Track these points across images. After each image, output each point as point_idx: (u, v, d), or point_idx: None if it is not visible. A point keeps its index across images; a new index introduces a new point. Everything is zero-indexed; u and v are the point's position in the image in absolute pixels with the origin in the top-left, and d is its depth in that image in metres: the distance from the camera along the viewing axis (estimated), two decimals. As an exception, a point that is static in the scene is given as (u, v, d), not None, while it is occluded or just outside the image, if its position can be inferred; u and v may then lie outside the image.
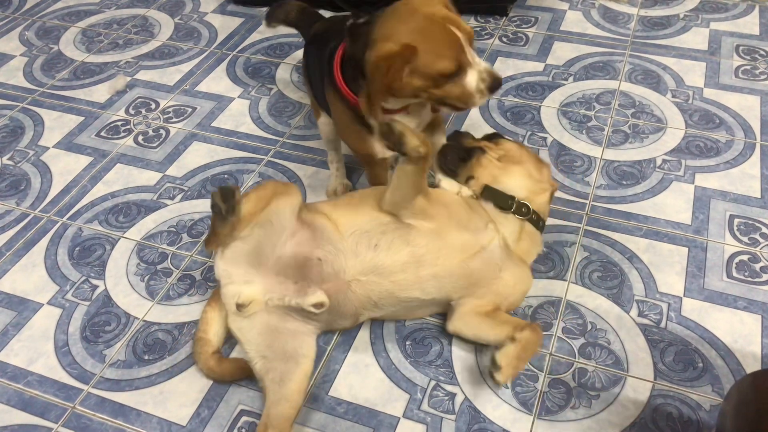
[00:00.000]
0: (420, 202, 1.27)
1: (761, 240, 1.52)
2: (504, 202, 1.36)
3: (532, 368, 1.30)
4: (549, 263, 1.49)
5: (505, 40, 2.23)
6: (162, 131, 1.92)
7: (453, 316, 1.32)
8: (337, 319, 1.32)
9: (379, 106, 1.27)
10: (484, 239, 1.30)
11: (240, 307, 1.27)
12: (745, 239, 1.53)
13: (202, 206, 1.68)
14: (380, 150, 1.40)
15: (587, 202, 1.63)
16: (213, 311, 1.34)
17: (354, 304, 1.29)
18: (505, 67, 2.10)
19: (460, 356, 1.33)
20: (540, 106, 1.94)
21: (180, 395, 1.30)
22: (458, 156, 1.44)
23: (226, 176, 1.76)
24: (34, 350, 1.39)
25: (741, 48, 2.12)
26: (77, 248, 1.59)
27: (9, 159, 1.86)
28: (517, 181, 1.41)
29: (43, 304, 1.47)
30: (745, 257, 1.49)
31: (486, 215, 1.35)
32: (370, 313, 1.32)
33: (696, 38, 2.18)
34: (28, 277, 1.53)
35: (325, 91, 1.42)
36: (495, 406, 1.25)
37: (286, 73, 2.13)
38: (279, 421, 1.18)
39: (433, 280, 1.27)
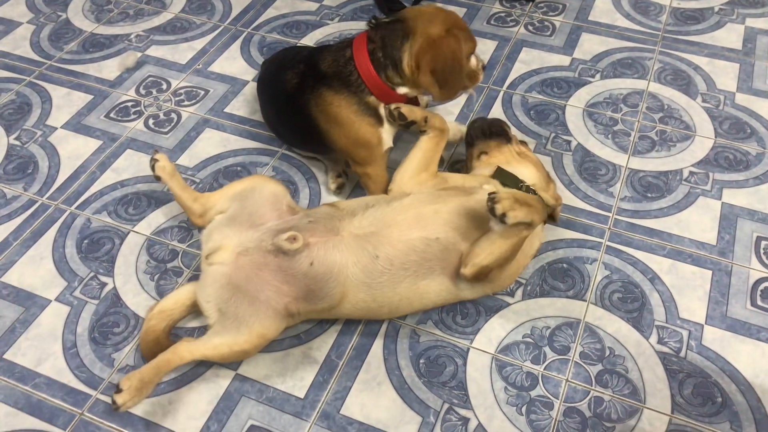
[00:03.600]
0: (424, 175, 1.44)
1: (788, 265, 1.48)
2: (514, 183, 1.43)
3: (548, 395, 1.28)
4: (569, 281, 1.46)
5: (530, 28, 2.14)
6: (173, 115, 1.86)
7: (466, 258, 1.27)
8: (320, 285, 1.26)
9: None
10: (480, 189, 1.37)
11: (209, 256, 1.30)
12: (771, 264, 1.49)
13: (214, 201, 1.63)
14: (387, 139, 1.48)
15: (610, 215, 1.58)
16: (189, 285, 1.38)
17: (346, 260, 1.26)
18: (530, 59, 2.02)
19: (475, 378, 1.31)
20: (565, 105, 1.87)
21: (189, 406, 1.28)
22: (482, 130, 1.55)
23: (239, 168, 1.71)
24: (42, 350, 1.36)
25: (777, 49, 2.04)
26: (85, 241, 1.55)
27: (16, 138, 1.80)
28: (526, 173, 1.46)
29: (51, 301, 1.44)
30: (770, 284, 1.45)
31: (483, 179, 1.43)
32: (359, 276, 1.26)
33: (730, 36, 2.09)
34: (36, 271, 1.50)
35: (309, 106, 1.47)
36: (508, 434, 1.23)
37: (302, 55, 2.05)
38: (187, 345, 1.25)
39: (435, 215, 1.30)
